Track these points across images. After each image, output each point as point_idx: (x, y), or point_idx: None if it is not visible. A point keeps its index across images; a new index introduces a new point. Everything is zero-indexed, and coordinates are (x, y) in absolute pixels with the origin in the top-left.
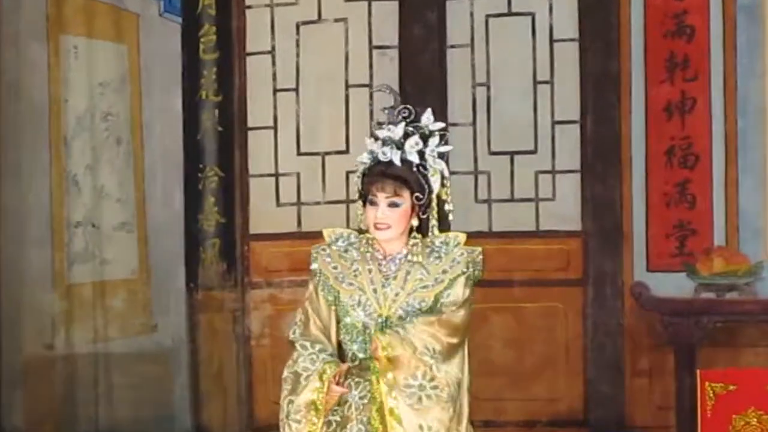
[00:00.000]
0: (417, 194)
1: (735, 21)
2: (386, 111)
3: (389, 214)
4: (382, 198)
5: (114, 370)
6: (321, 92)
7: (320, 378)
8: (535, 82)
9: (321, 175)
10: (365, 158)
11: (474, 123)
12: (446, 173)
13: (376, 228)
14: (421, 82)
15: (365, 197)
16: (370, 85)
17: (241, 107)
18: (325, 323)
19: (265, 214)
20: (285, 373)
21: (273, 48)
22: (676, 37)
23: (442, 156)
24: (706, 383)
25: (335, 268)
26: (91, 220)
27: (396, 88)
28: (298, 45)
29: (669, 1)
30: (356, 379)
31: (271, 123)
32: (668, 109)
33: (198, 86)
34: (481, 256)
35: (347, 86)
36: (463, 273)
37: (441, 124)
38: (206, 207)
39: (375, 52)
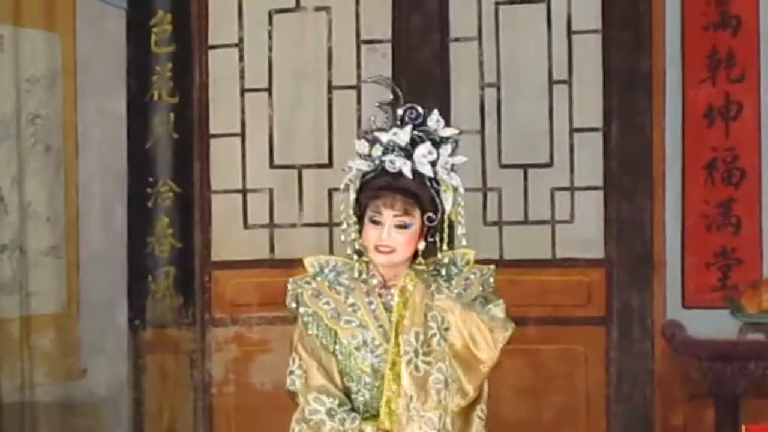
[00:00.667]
0: (429, 214)
1: None
2: (384, 108)
3: (396, 236)
4: (388, 216)
5: (41, 423)
6: (298, 94)
7: None
8: (551, 82)
9: (298, 192)
10: (362, 165)
11: (482, 130)
12: (461, 189)
13: (377, 251)
14: (419, 82)
15: (361, 213)
16: (357, 87)
17: (202, 111)
18: (328, 369)
19: (230, 237)
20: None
21: (241, 40)
22: (719, 30)
23: (453, 169)
24: None
25: (327, 303)
26: (18, 243)
27: (387, 89)
28: (270, 37)
29: None
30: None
31: (238, 129)
32: (709, 115)
33: (148, 85)
34: (492, 276)
35: (330, 87)
36: (481, 294)
37: (453, 130)
38: (158, 229)
39: (364, 46)
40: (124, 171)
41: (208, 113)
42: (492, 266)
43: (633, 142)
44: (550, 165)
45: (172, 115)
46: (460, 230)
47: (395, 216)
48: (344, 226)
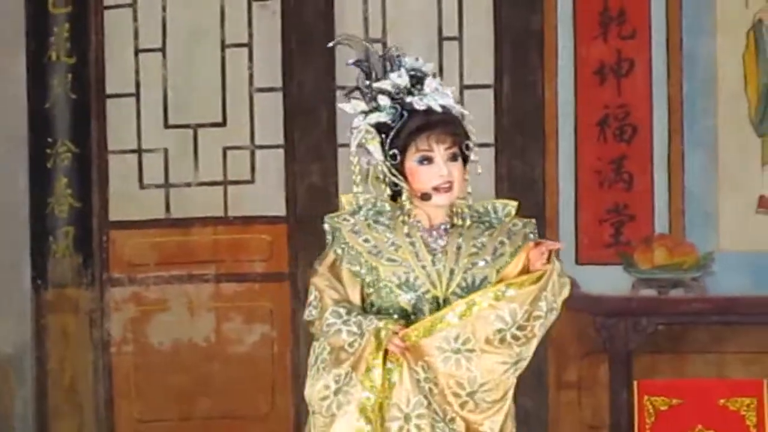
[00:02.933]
0: (467, 142)
1: None
2: (363, 63)
3: (453, 170)
4: (440, 151)
5: None
6: (192, 53)
7: (377, 336)
8: (441, 39)
9: (193, 152)
10: (377, 118)
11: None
12: (469, 117)
13: (439, 191)
14: (306, 38)
15: (400, 162)
16: (249, 44)
17: (99, 71)
18: (349, 298)
19: (127, 197)
20: (314, 355)
21: (134, 0)
22: None
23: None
24: (646, 397)
25: (366, 241)
26: None
27: (278, 46)
28: None
29: None
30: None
31: (133, 89)
32: (601, 72)
33: (46, 46)
34: (534, 229)
35: (223, 46)
36: (522, 246)
37: (431, 64)
38: (57, 189)
39: (255, 4)
40: (25, 132)
41: (104, 73)
42: (533, 219)
43: (525, 99)
44: None
45: (70, 75)
46: (472, 157)
47: (447, 149)
48: (357, 188)
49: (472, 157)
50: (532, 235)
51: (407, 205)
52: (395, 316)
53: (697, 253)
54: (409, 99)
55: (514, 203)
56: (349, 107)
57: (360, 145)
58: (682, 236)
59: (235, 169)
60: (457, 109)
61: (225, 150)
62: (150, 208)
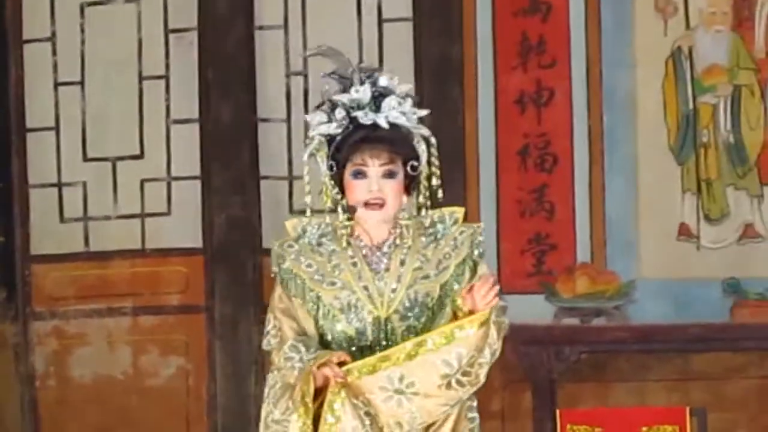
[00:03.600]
0: (412, 162)
1: None
2: (335, 75)
3: (385, 188)
4: (374, 166)
5: None
6: (109, 85)
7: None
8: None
9: (112, 185)
10: (327, 129)
11: (288, 119)
12: (433, 140)
13: (369, 206)
14: (226, 69)
15: (339, 174)
16: (166, 76)
17: (18, 105)
18: (305, 327)
19: (48, 231)
20: (268, 386)
21: (53, 34)
22: (529, 16)
23: (421, 121)
24: (569, 426)
25: (309, 266)
26: None
27: (195, 77)
28: (83, 30)
29: None
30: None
31: (52, 123)
32: (521, 102)
33: None
34: (481, 234)
35: (141, 77)
36: (470, 257)
37: (409, 85)
38: None
39: (172, 36)
40: None
41: (23, 107)
42: (481, 224)
43: (445, 129)
44: None
45: None
46: (434, 181)
47: (381, 165)
48: (307, 198)
49: (434, 181)
50: (478, 244)
51: (346, 222)
52: (342, 344)
53: (618, 282)
54: (356, 113)
55: (461, 210)
56: (311, 117)
57: (311, 155)
58: (603, 265)
59: (152, 201)
60: (418, 131)
61: (142, 182)
62: (70, 242)
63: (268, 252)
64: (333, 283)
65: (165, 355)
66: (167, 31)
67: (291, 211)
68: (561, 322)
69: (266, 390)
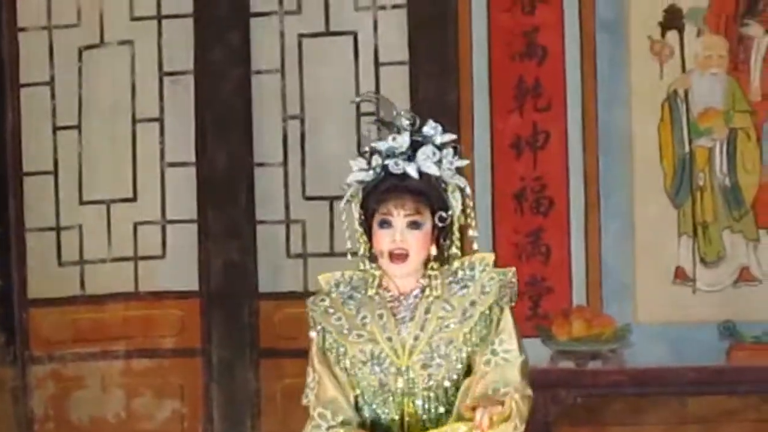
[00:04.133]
0: (441, 213)
1: (594, 40)
2: (377, 123)
3: (409, 237)
4: (399, 217)
5: None
6: (105, 129)
7: None
8: (359, 114)
9: (107, 228)
10: (362, 176)
11: (285, 163)
12: (468, 191)
13: (392, 258)
14: (222, 114)
15: (368, 222)
16: (160, 119)
17: (16, 149)
18: (340, 381)
19: (45, 275)
20: None
21: (52, 78)
22: (525, 60)
23: (459, 171)
24: None
25: (338, 319)
26: None
27: (191, 121)
28: (80, 74)
29: (517, 16)
30: None
31: (51, 167)
32: (517, 145)
33: None
34: (515, 278)
35: (134, 121)
36: (497, 303)
37: (452, 136)
38: None
39: (166, 79)
40: None
41: (20, 151)
42: (513, 269)
43: None
44: None
45: None
46: (471, 233)
47: (406, 216)
48: (348, 244)
49: (470, 233)
50: (505, 290)
51: (377, 273)
52: (367, 395)
53: (614, 325)
54: (388, 161)
55: (491, 256)
56: (354, 163)
57: (347, 201)
58: (599, 308)
59: (146, 244)
60: (453, 181)
61: (135, 225)
62: (67, 286)
63: (264, 296)
64: (360, 336)
65: (160, 398)
66: (162, 74)
67: (288, 255)
68: (557, 365)
69: None
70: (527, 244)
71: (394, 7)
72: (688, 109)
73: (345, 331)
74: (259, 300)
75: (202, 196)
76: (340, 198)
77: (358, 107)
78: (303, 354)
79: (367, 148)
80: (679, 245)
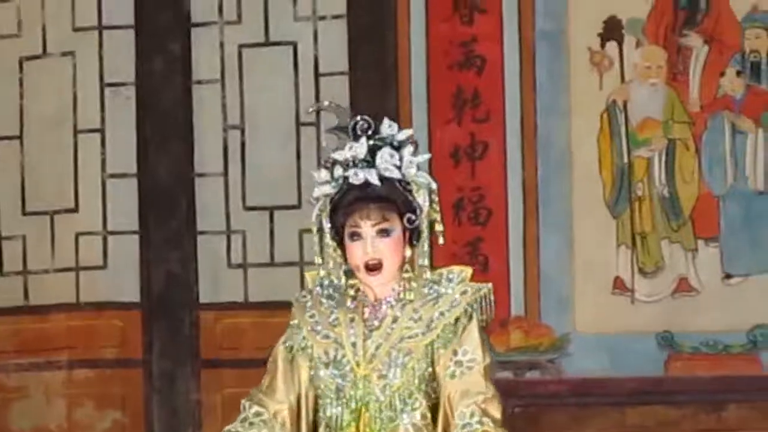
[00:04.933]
0: (408, 215)
1: (533, 51)
2: (335, 133)
3: (380, 247)
4: (367, 227)
5: None
6: (47, 140)
7: None
8: (298, 124)
9: (50, 238)
10: (326, 189)
11: (225, 173)
12: (434, 186)
13: (368, 270)
14: (163, 124)
15: (339, 235)
16: (101, 130)
17: None
18: (280, 379)
19: None
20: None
21: None
22: (464, 69)
23: (420, 168)
24: None
25: (312, 317)
26: None
27: (132, 131)
28: (21, 85)
29: (456, 26)
30: None
31: None
32: (455, 155)
33: None
34: (490, 294)
35: (76, 131)
36: (466, 313)
37: (408, 131)
38: None
39: (108, 90)
40: None
41: None
42: (489, 284)
43: None
44: (298, 207)
45: None
46: (437, 227)
47: (374, 225)
48: (318, 259)
49: (437, 227)
50: (488, 295)
51: (351, 282)
52: (327, 398)
53: (553, 335)
54: (348, 173)
55: (469, 270)
56: (317, 175)
57: (317, 216)
58: (538, 318)
59: (88, 255)
60: (417, 179)
61: (77, 235)
62: (10, 296)
63: (204, 307)
64: (327, 337)
65: (101, 408)
66: (102, 85)
67: (229, 266)
68: (494, 375)
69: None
70: (465, 254)
71: (334, 17)
72: (627, 120)
73: (315, 330)
74: (199, 311)
75: (144, 206)
76: (279, 208)
77: (297, 117)
78: (244, 364)
79: (327, 160)
80: (618, 255)
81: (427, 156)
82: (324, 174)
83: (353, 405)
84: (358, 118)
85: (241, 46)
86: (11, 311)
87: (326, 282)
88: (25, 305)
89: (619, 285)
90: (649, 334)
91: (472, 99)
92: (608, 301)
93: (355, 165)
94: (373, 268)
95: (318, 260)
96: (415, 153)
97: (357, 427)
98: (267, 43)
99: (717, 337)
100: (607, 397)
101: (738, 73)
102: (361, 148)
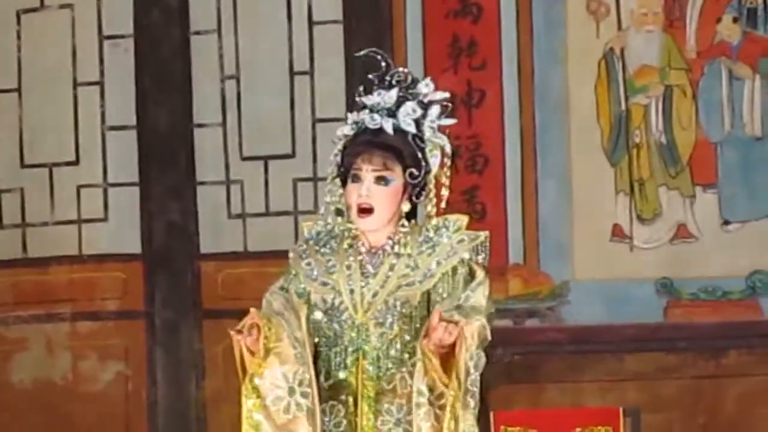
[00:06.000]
0: (411, 170)
1: None
2: (374, 77)
3: (375, 193)
4: (367, 171)
5: None
6: (46, 93)
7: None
8: (292, 73)
9: (49, 190)
10: (347, 129)
11: (224, 123)
12: (448, 150)
13: (359, 212)
14: (162, 75)
15: (345, 173)
16: (101, 82)
17: None
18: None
19: None
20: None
21: None
22: (459, 17)
23: (443, 131)
24: (503, 428)
25: (308, 265)
26: None
27: (131, 84)
28: (19, 37)
29: None
30: (330, 403)
31: None
32: (452, 103)
33: None
34: (487, 241)
35: (75, 84)
36: (463, 263)
37: (444, 94)
38: None
39: (106, 42)
40: None
41: None
42: (486, 232)
43: None
44: (292, 156)
45: None
46: (443, 192)
47: (374, 171)
48: (327, 197)
49: (443, 192)
50: (482, 245)
51: (349, 225)
52: (323, 345)
53: (552, 283)
54: (367, 116)
55: (465, 218)
56: (348, 117)
57: (336, 155)
58: (536, 266)
59: (89, 207)
60: (434, 139)
61: (78, 188)
62: (8, 248)
63: (206, 257)
64: (324, 284)
65: (104, 360)
66: (101, 38)
67: (229, 216)
68: (493, 323)
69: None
70: (462, 202)
71: None
72: (624, 67)
73: (312, 277)
74: (200, 261)
75: (144, 158)
76: (275, 157)
77: (291, 66)
78: (245, 314)
79: (357, 102)
80: (616, 203)
81: (452, 121)
82: (351, 116)
83: (350, 351)
84: (397, 69)
85: None
86: (9, 263)
87: (322, 231)
88: (23, 257)
89: (617, 232)
90: (648, 281)
91: (468, 47)
92: (607, 249)
93: (378, 111)
94: (364, 210)
95: (328, 198)
96: (442, 115)
97: (355, 375)
98: None
99: (716, 284)
100: (606, 344)
101: (735, 20)
102: (389, 97)
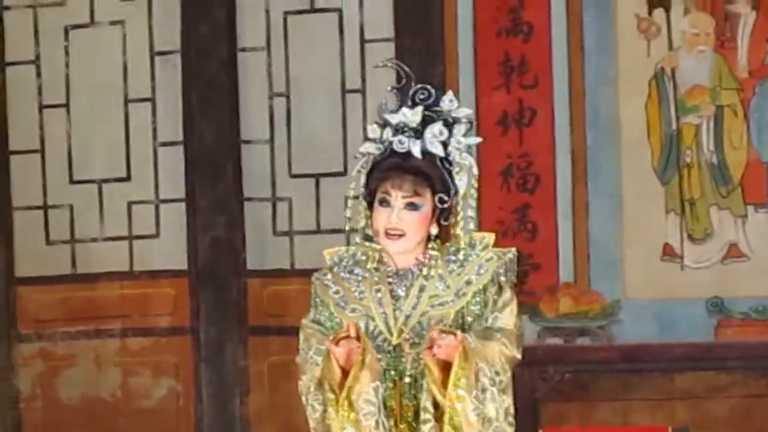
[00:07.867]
0: (441, 195)
1: (581, 16)
2: (395, 91)
3: (405, 219)
4: (397, 197)
5: None
6: (95, 108)
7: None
8: (344, 91)
9: (99, 207)
10: (371, 148)
11: (272, 140)
12: (475, 171)
13: (387, 236)
14: (209, 91)
15: (371, 196)
16: (152, 99)
17: (1, 127)
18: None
19: (33, 253)
20: (302, 395)
21: (38, 57)
22: (511, 36)
23: (469, 150)
24: None
25: (337, 293)
26: None
27: (179, 99)
28: (67, 53)
29: None
30: None
31: (37, 146)
32: (503, 122)
33: None
34: (515, 258)
35: (126, 100)
36: (494, 281)
37: (468, 111)
38: None
39: (157, 58)
40: None
41: (6, 130)
42: (513, 249)
43: None
44: (343, 174)
45: None
46: (469, 212)
47: (404, 197)
48: (348, 214)
49: (469, 213)
50: (513, 259)
51: (376, 247)
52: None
53: (602, 302)
54: (394, 138)
55: (491, 235)
56: (369, 130)
57: (359, 171)
58: (587, 285)
59: (140, 223)
60: (461, 161)
61: (130, 204)
62: (56, 264)
63: (251, 274)
64: (354, 310)
65: (156, 376)
66: (152, 54)
67: (274, 233)
68: (545, 342)
69: (303, 399)
70: (513, 221)
71: None
72: (675, 87)
73: (342, 304)
74: (246, 277)
75: (191, 174)
76: (326, 175)
77: (343, 84)
78: (290, 331)
79: (381, 118)
80: (667, 222)
81: (477, 140)
82: (374, 131)
83: (389, 376)
84: (420, 86)
85: (286, 13)
86: (58, 279)
87: (345, 257)
88: (71, 273)
89: (668, 251)
90: (699, 300)
91: (520, 65)
92: (658, 268)
93: (403, 132)
94: (393, 236)
95: (349, 214)
96: (468, 133)
97: (395, 398)
98: (312, 10)
99: (767, 303)
100: (656, 363)
101: None
102: (414, 116)
